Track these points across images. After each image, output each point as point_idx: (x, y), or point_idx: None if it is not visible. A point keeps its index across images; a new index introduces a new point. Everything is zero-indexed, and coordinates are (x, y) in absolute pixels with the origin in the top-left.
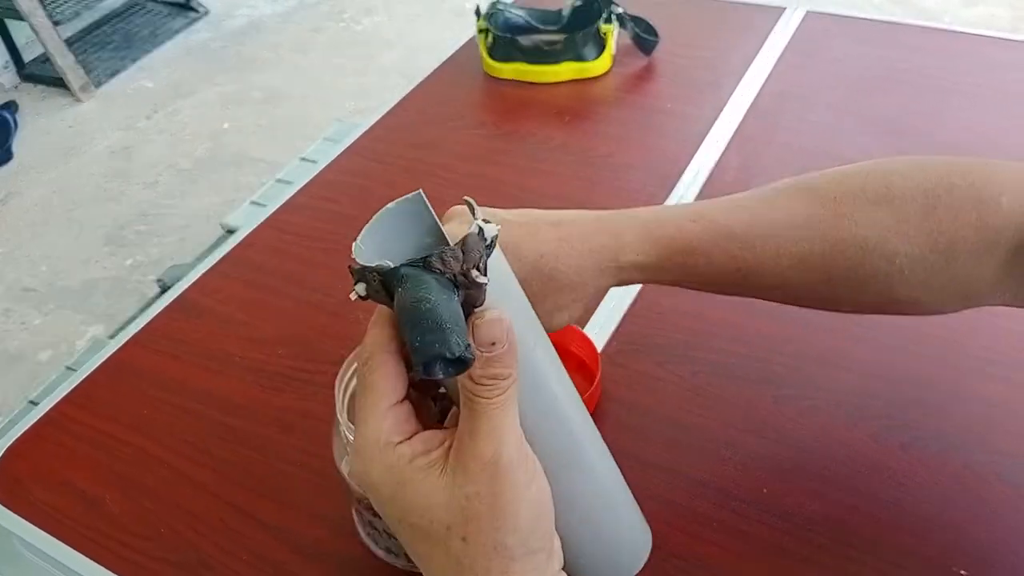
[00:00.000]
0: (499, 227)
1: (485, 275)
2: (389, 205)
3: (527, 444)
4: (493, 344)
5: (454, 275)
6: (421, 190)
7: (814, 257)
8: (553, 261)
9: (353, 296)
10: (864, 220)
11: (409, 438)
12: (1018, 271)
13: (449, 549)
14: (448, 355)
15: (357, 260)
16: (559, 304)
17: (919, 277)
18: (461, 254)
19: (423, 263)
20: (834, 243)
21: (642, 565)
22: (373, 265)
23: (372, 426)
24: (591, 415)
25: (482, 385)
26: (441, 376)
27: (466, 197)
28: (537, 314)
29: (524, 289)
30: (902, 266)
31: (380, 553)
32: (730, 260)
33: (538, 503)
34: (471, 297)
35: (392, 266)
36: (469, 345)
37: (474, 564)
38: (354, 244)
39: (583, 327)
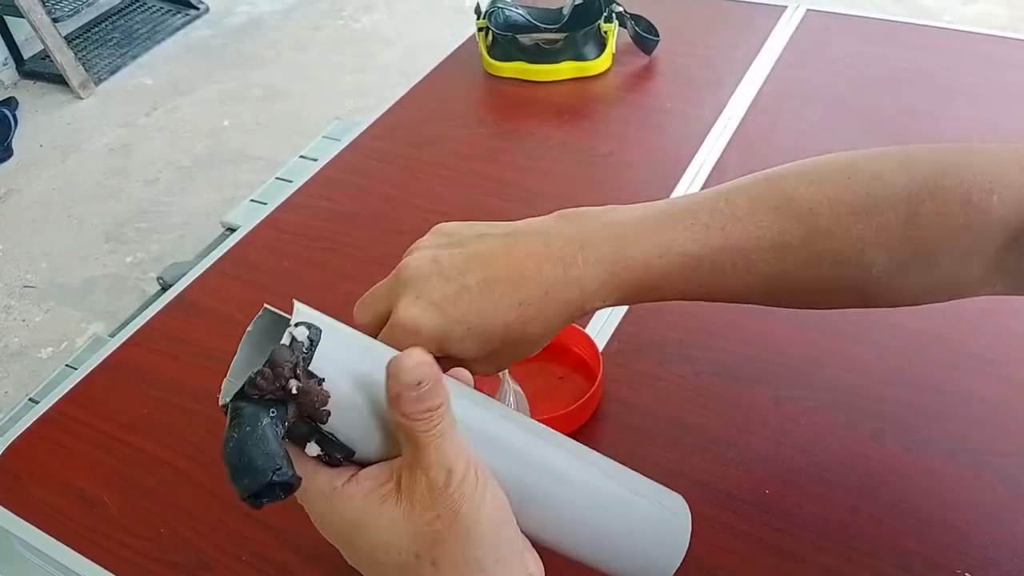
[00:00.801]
0: (308, 328)
1: (310, 379)
2: (248, 328)
3: (472, 454)
4: (420, 383)
5: (272, 393)
6: (266, 304)
7: (787, 275)
8: (520, 327)
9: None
10: (841, 233)
11: (352, 476)
12: (1007, 267)
13: None
14: (258, 487)
15: (220, 400)
16: (529, 351)
17: (899, 281)
18: (271, 372)
19: (242, 394)
20: (808, 260)
21: (680, 559)
22: (221, 404)
23: (310, 481)
24: (592, 414)
25: (419, 420)
26: (280, 498)
27: (294, 299)
28: (514, 358)
29: (494, 355)
30: (879, 276)
31: None
32: (698, 287)
33: (496, 509)
34: (307, 404)
35: (227, 402)
36: (279, 468)
37: None
38: (224, 382)
39: (584, 327)
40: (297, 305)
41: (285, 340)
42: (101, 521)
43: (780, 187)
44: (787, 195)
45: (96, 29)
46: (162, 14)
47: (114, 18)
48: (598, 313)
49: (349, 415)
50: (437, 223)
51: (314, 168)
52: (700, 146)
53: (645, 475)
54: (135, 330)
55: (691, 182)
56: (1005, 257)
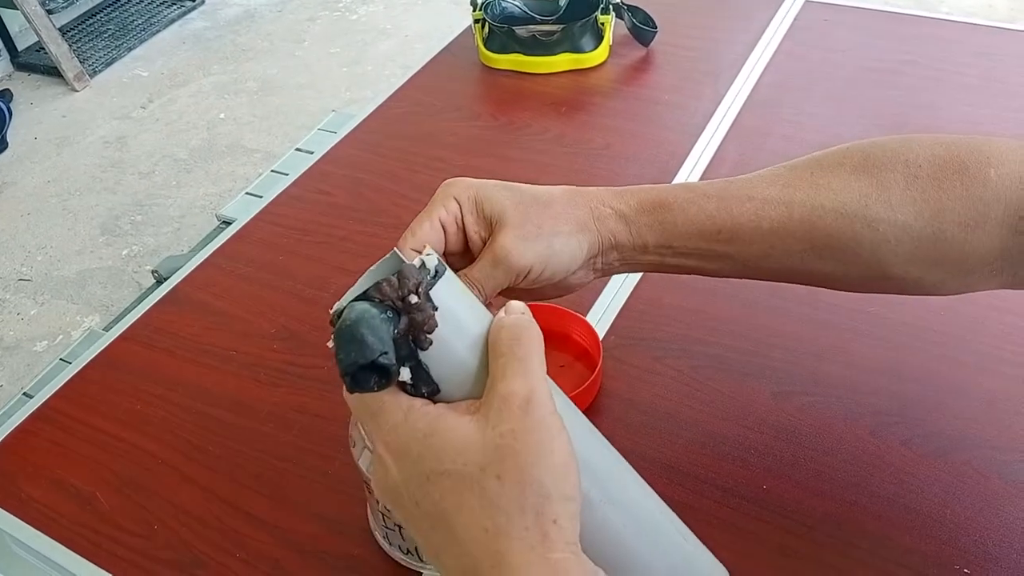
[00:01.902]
0: (438, 260)
1: (427, 301)
2: (371, 267)
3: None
4: (523, 312)
5: (392, 302)
6: (396, 248)
7: (793, 223)
8: (548, 195)
9: (329, 344)
10: (842, 187)
11: (429, 402)
12: (1011, 254)
13: (484, 490)
14: (362, 362)
15: (331, 311)
16: (557, 228)
17: (907, 247)
18: (396, 282)
19: (364, 296)
20: (812, 208)
21: None
22: (332, 311)
23: (390, 396)
24: (591, 402)
25: (518, 340)
26: (374, 388)
27: (425, 245)
28: (540, 233)
29: (522, 209)
30: (887, 234)
31: (396, 554)
32: (708, 220)
33: (568, 454)
34: (416, 321)
35: (343, 305)
36: (386, 353)
37: (510, 503)
38: (336, 304)
39: (583, 315)
40: (427, 248)
41: (415, 262)
42: (95, 518)
43: (786, 165)
44: (788, 164)
45: (91, 21)
46: (157, 6)
47: (109, 10)
48: (596, 307)
49: (447, 351)
50: None
51: (310, 161)
52: (698, 138)
53: (643, 471)
54: (129, 325)
55: (689, 174)
56: (1008, 241)
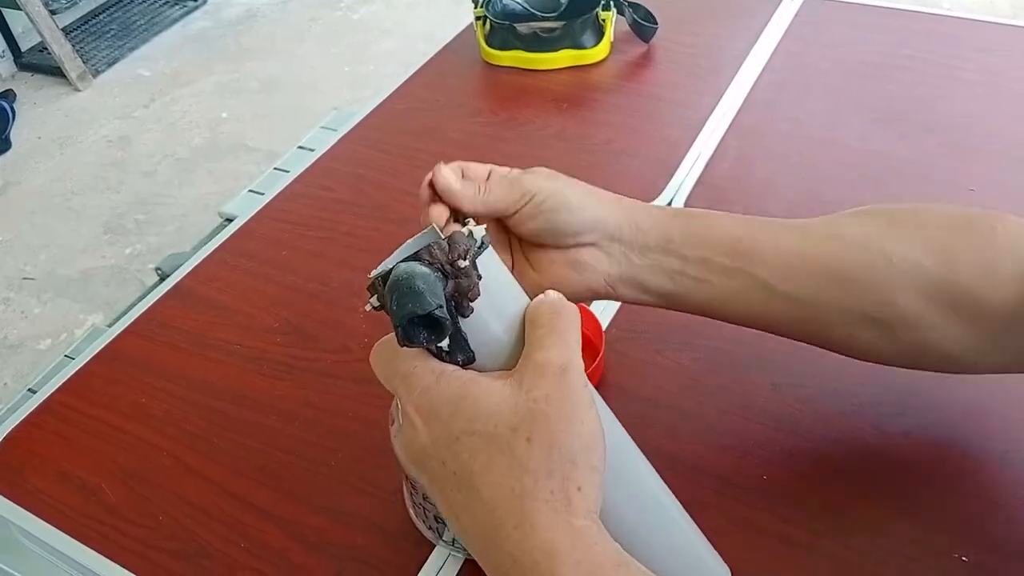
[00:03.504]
0: (486, 231)
1: (474, 268)
2: (408, 240)
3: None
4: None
5: (442, 265)
6: (434, 224)
7: (811, 244)
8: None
9: (367, 307)
10: (857, 225)
11: (461, 368)
12: (1005, 342)
13: (514, 451)
14: (420, 312)
15: (371, 274)
16: (583, 203)
17: (921, 284)
18: (447, 246)
19: (414, 257)
20: (830, 237)
21: None
22: (373, 275)
23: (422, 359)
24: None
25: (558, 311)
26: (423, 343)
27: (468, 219)
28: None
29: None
30: (901, 266)
31: (427, 533)
32: (731, 229)
33: (597, 426)
34: (462, 287)
35: (388, 268)
36: (441, 306)
37: (538, 466)
38: (374, 271)
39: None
40: (472, 222)
41: (465, 231)
42: (100, 509)
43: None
44: (805, 223)
45: (94, 21)
46: (159, 6)
47: (111, 10)
48: (597, 301)
49: (486, 322)
50: None
51: (312, 158)
52: (699, 134)
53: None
54: (133, 319)
55: (689, 170)
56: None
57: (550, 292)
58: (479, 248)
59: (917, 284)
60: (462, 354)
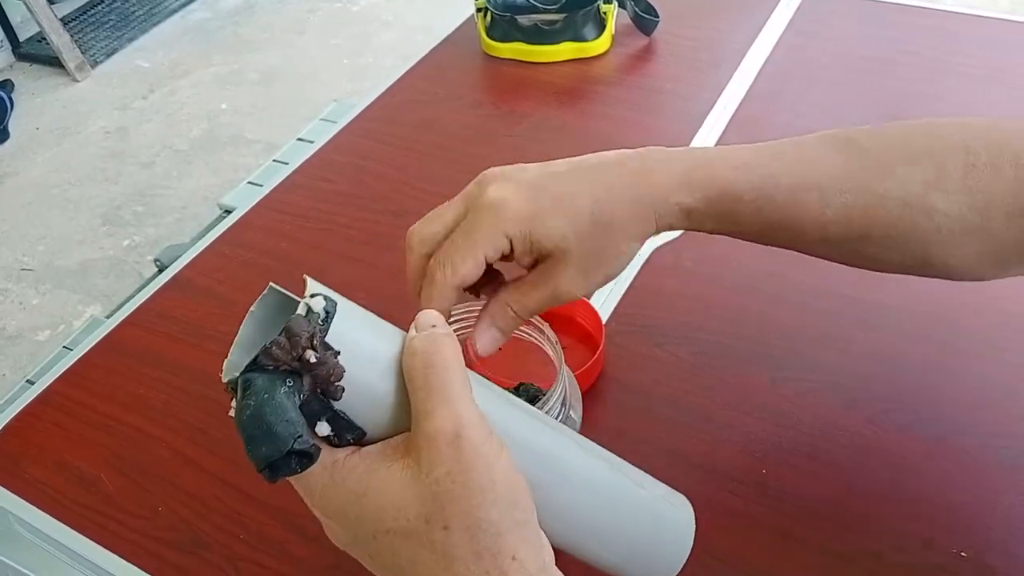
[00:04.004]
0: (325, 299)
1: (326, 351)
2: (251, 308)
3: (489, 424)
4: (434, 326)
5: (288, 364)
6: (272, 283)
7: (856, 211)
8: (608, 210)
9: (231, 413)
10: (905, 175)
11: (355, 451)
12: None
13: (434, 544)
14: (278, 455)
15: (223, 377)
16: (619, 251)
17: (956, 238)
18: (287, 342)
19: (255, 365)
20: (877, 196)
21: (684, 558)
22: (225, 380)
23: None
24: (593, 385)
25: (432, 368)
26: (296, 471)
27: (304, 275)
28: (601, 262)
29: (583, 244)
30: (940, 223)
31: None
32: (775, 211)
33: (511, 473)
34: (320, 376)
35: (235, 376)
36: (300, 436)
37: (464, 552)
38: (225, 361)
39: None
40: (309, 281)
41: (301, 310)
42: (98, 500)
43: (844, 136)
44: (853, 142)
45: (92, 11)
46: None
47: (110, 0)
48: (598, 293)
49: (363, 392)
50: (435, 205)
51: (311, 150)
52: (700, 128)
53: (642, 456)
54: (132, 310)
55: None
56: None
57: (420, 320)
58: (324, 322)
59: (952, 237)
60: (350, 433)
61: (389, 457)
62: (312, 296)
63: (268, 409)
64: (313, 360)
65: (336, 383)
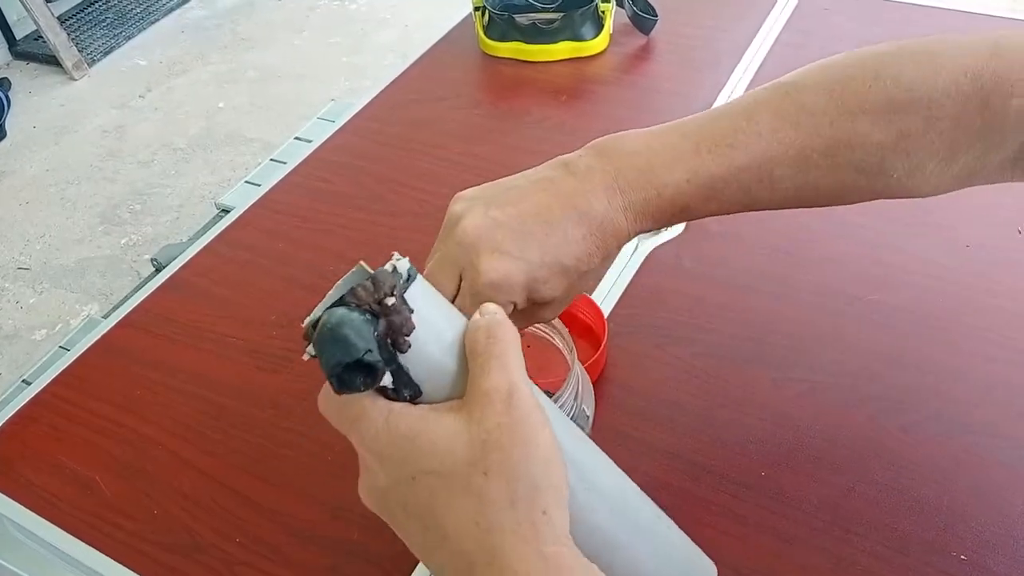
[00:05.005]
0: (410, 264)
1: (403, 303)
2: (338, 281)
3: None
4: (495, 313)
5: (369, 305)
6: (362, 261)
7: (808, 186)
8: (588, 259)
9: (305, 356)
10: (861, 143)
11: (410, 404)
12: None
13: (471, 488)
14: (348, 360)
15: (306, 321)
16: (591, 285)
17: (916, 181)
18: (372, 286)
19: (340, 302)
20: (829, 170)
21: None
22: (307, 322)
23: (369, 400)
24: (595, 381)
25: (493, 339)
26: (360, 388)
27: (393, 252)
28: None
29: (571, 289)
30: (899, 178)
31: None
32: (726, 205)
33: (553, 445)
34: (394, 324)
35: (319, 315)
36: (371, 350)
37: (499, 497)
38: (307, 319)
39: (591, 293)
40: (396, 255)
41: (388, 267)
42: (94, 503)
43: (800, 100)
44: (807, 109)
45: (89, 9)
46: None
47: None
48: (597, 294)
49: (426, 353)
50: (432, 204)
51: (309, 149)
52: None
53: (642, 456)
54: (128, 311)
55: None
56: (1021, 159)
57: (486, 307)
58: (406, 282)
59: (912, 180)
60: (408, 389)
61: (442, 409)
62: (398, 260)
63: (347, 325)
64: (391, 304)
65: (406, 336)
